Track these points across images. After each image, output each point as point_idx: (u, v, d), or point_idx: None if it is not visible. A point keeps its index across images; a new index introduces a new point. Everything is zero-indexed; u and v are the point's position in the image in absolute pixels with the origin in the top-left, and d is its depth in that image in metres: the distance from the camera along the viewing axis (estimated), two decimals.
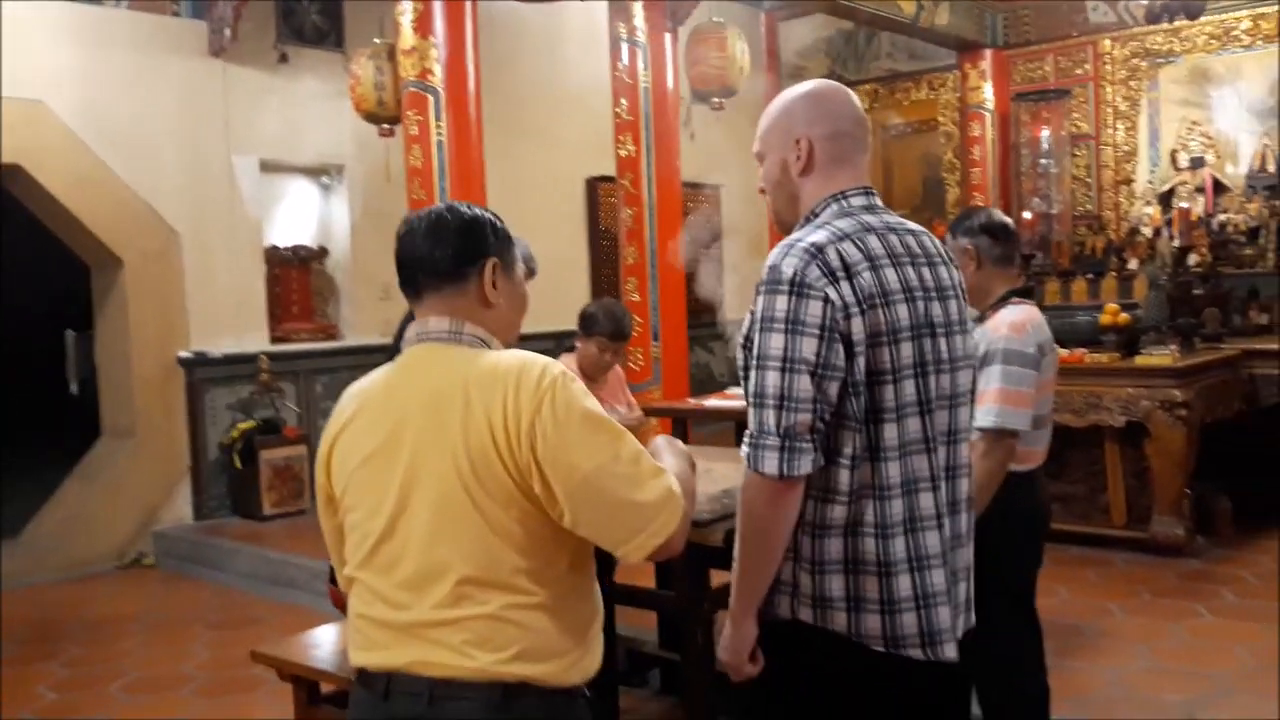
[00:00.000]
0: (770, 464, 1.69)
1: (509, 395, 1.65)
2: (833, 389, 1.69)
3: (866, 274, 1.72)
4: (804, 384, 1.67)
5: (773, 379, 1.69)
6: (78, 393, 6.87)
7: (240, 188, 7.03)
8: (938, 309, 1.83)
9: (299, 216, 7.65)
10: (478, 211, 1.82)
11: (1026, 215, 8.28)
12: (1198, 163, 8.41)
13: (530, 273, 3.70)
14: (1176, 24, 7.66)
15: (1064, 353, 5.59)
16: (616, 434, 1.69)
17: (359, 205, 7.51)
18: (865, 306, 1.70)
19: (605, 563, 3.55)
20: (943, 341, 1.82)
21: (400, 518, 1.69)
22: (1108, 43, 8.94)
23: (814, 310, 1.68)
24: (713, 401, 5.66)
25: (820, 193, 1.86)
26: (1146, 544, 5.40)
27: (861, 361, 1.71)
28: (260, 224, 7.19)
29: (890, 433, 1.74)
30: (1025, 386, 2.84)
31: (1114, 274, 7.61)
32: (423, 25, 5.49)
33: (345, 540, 1.80)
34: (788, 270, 1.71)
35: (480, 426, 1.65)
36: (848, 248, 1.74)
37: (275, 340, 7.13)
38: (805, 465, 1.69)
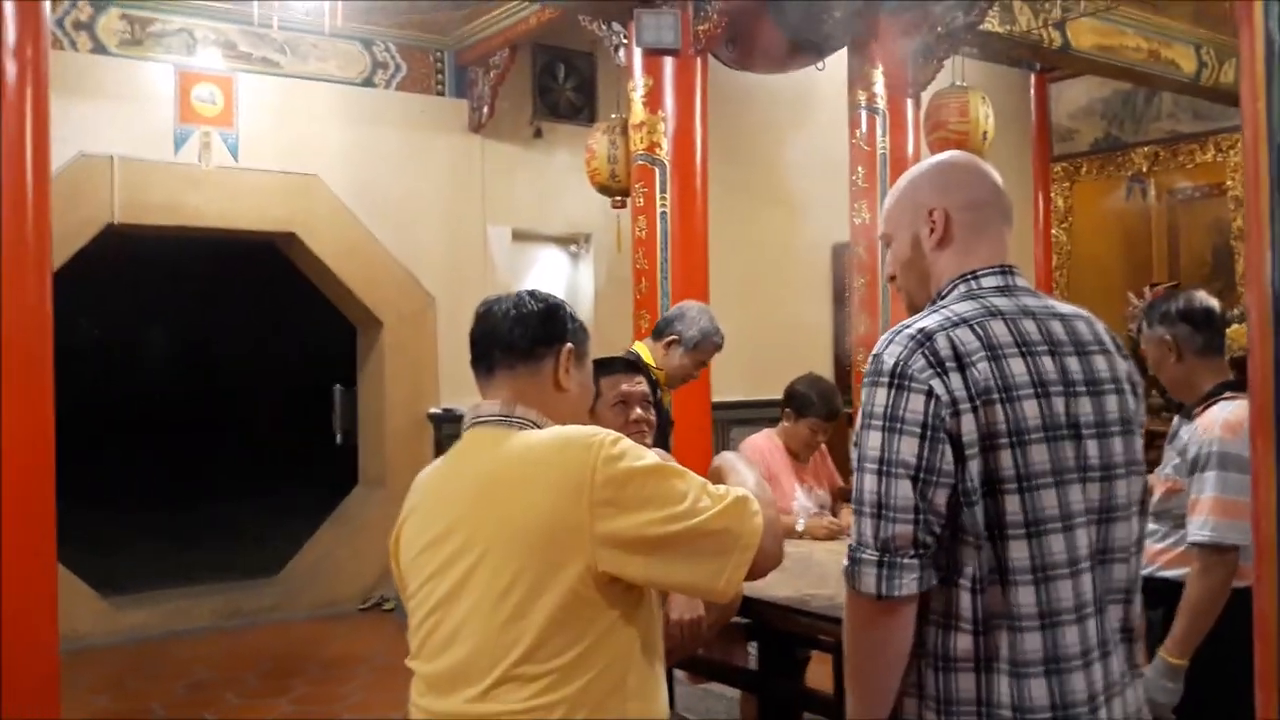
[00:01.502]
0: (868, 581, 1.49)
1: (560, 474, 1.64)
2: (940, 497, 1.48)
3: (983, 364, 1.50)
4: (903, 490, 1.47)
5: (870, 483, 1.50)
6: (342, 443, 7.39)
7: (493, 255, 7.42)
8: (1087, 406, 1.56)
9: (548, 282, 7.97)
10: (558, 299, 1.87)
11: None
12: None
13: (716, 346, 3.76)
14: None
15: None
16: (675, 477, 1.65)
17: (603, 272, 7.74)
18: (980, 402, 1.48)
19: (793, 660, 3.46)
20: (1091, 445, 1.56)
21: (447, 609, 1.69)
22: None
23: (915, 405, 1.48)
24: None
25: (953, 270, 1.66)
26: None
27: (975, 466, 1.48)
28: (511, 290, 7.51)
29: (1019, 552, 1.50)
30: (1244, 495, 2.50)
31: None
32: (653, 100, 5.63)
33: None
34: (889, 360, 1.52)
35: (531, 511, 1.64)
36: (963, 334, 1.53)
37: None
38: (909, 584, 1.48)
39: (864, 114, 6.51)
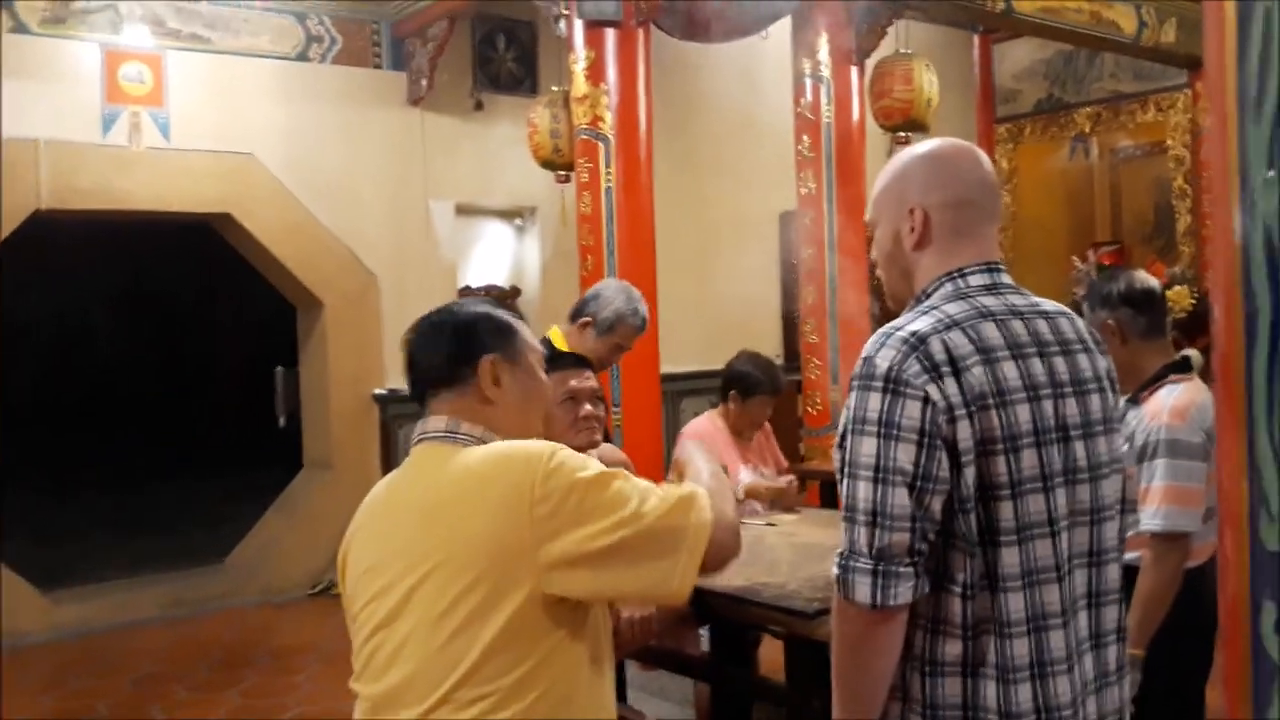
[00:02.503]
0: (862, 591, 1.46)
1: (500, 493, 1.60)
2: (936, 504, 1.46)
3: (977, 369, 1.48)
4: (900, 497, 1.44)
5: (864, 491, 1.46)
6: (285, 426, 7.27)
7: (436, 231, 7.30)
8: (1073, 407, 1.56)
9: (493, 257, 7.87)
10: (475, 309, 1.83)
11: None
12: None
13: (634, 329, 3.62)
14: None
15: None
16: (616, 482, 1.62)
17: (550, 245, 7.65)
18: (975, 407, 1.46)
19: (743, 646, 3.45)
20: (1079, 446, 1.55)
21: (389, 630, 1.66)
22: None
23: (912, 411, 1.45)
24: None
25: (936, 270, 1.62)
26: None
27: (970, 473, 1.46)
28: (455, 265, 7.43)
29: (1011, 559, 1.48)
30: (1195, 482, 2.50)
31: None
32: (595, 73, 5.52)
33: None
34: (882, 364, 1.49)
35: (474, 531, 1.61)
36: (955, 337, 1.50)
37: None
38: (904, 593, 1.46)
39: (809, 82, 6.47)
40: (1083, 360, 1.61)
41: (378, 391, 6.98)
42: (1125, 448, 2.61)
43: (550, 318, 7.55)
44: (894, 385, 1.47)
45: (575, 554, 1.57)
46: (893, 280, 1.71)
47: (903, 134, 6.42)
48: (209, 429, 10.19)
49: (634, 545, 1.58)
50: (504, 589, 1.58)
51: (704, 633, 3.48)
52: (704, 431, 4.09)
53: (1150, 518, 2.47)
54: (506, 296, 7.76)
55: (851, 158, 6.47)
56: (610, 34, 5.49)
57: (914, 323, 1.53)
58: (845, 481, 1.50)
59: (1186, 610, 2.55)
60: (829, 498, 5.03)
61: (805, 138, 6.48)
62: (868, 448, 1.47)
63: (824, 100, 6.42)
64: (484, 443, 1.73)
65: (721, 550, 1.64)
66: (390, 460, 7.00)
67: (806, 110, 6.47)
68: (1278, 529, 0.92)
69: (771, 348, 7.77)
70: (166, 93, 6.28)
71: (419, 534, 1.66)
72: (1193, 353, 2.72)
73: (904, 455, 1.45)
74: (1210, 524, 2.64)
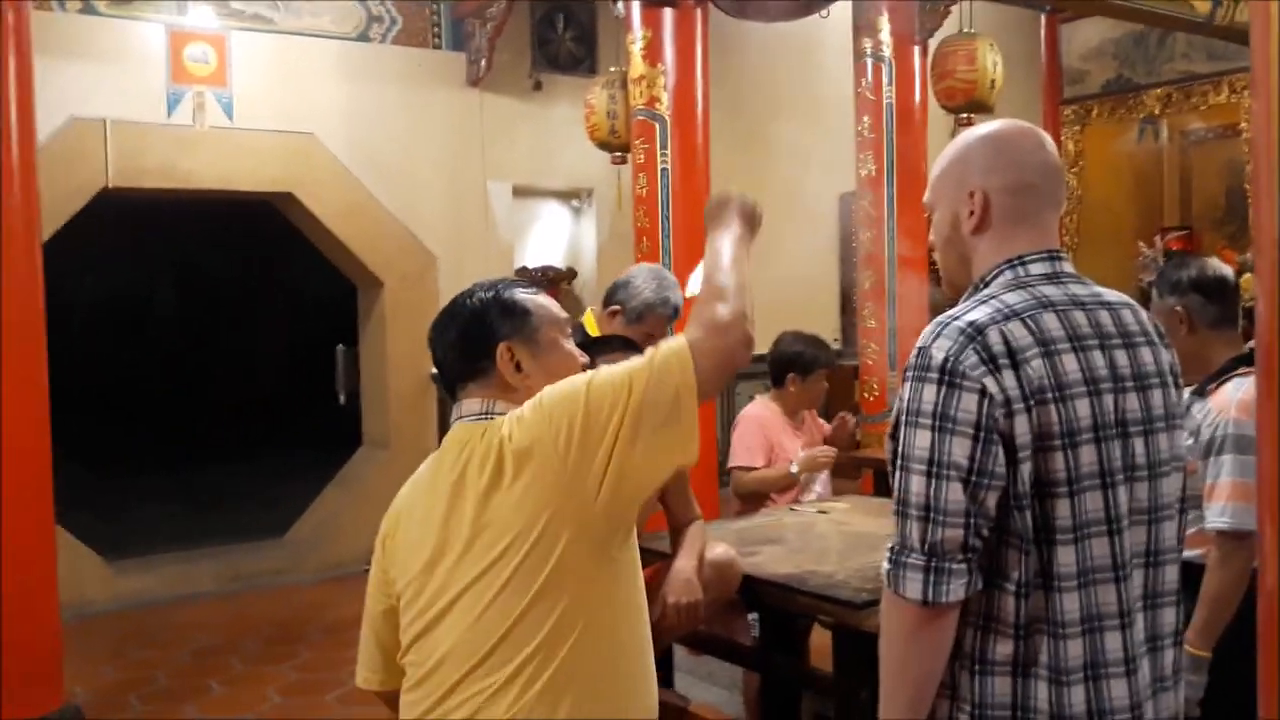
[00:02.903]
0: (914, 587, 1.43)
1: (502, 445, 1.64)
2: (991, 500, 1.42)
3: (1036, 361, 1.44)
4: (954, 493, 1.41)
5: (917, 485, 1.43)
6: (345, 404, 7.35)
7: (494, 212, 7.31)
8: (1134, 402, 1.51)
9: (551, 238, 7.87)
10: (484, 295, 1.81)
11: None
12: None
13: (664, 318, 3.54)
14: None
15: None
16: (585, 376, 1.66)
17: (606, 227, 7.64)
18: (1034, 401, 1.42)
19: (795, 643, 3.42)
20: (1138, 443, 1.50)
21: (433, 607, 1.69)
22: None
23: (968, 405, 1.41)
24: None
25: (995, 256, 1.58)
26: None
27: (1027, 469, 1.43)
28: (512, 247, 7.45)
29: (1067, 557, 1.44)
30: None
31: None
32: (652, 53, 5.49)
33: (389, 624, 1.81)
34: (938, 354, 1.45)
35: (511, 496, 1.63)
36: (1014, 328, 1.45)
37: None
38: (957, 590, 1.42)
39: (869, 62, 6.40)
40: (1145, 353, 1.56)
41: (434, 371, 7.01)
42: (1190, 442, 2.54)
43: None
44: (950, 377, 1.43)
45: (594, 441, 1.59)
46: (950, 265, 1.68)
47: (965, 115, 6.30)
48: (270, 407, 10.33)
49: (645, 422, 1.59)
50: (548, 542, 1.60)
51: (753, 619, 3.46)
52: (759, 417, 4.07)
53: (1217, 515, 2.40)
54: (563, 278, 7.77)
55: (913, 139, 6.38)
56: (668, 14, 5.45)
57: (971, 312, 1.49)
58: (898, 474, 1.47)
59: (1251, 611, 2.48)
60: (882, 486, 4.98)
61: (866, 118, 6.40)
62: (922, 440, 1.44)
63: (885, 80, 6.34)
64: None
65: (716, 362, 1.62)
66: None
67: (867, 90, 6.40)
68: None
69: (829, 331, 7.70)
70: (230, 73, 6.34)
71: (461, 509, 1.67)
72: None
73: (959, 449, 1.41)
74: None
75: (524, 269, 7.58)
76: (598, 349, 2.75)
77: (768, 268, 7.62)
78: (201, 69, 6.29)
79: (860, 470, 5.43)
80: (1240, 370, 2.54)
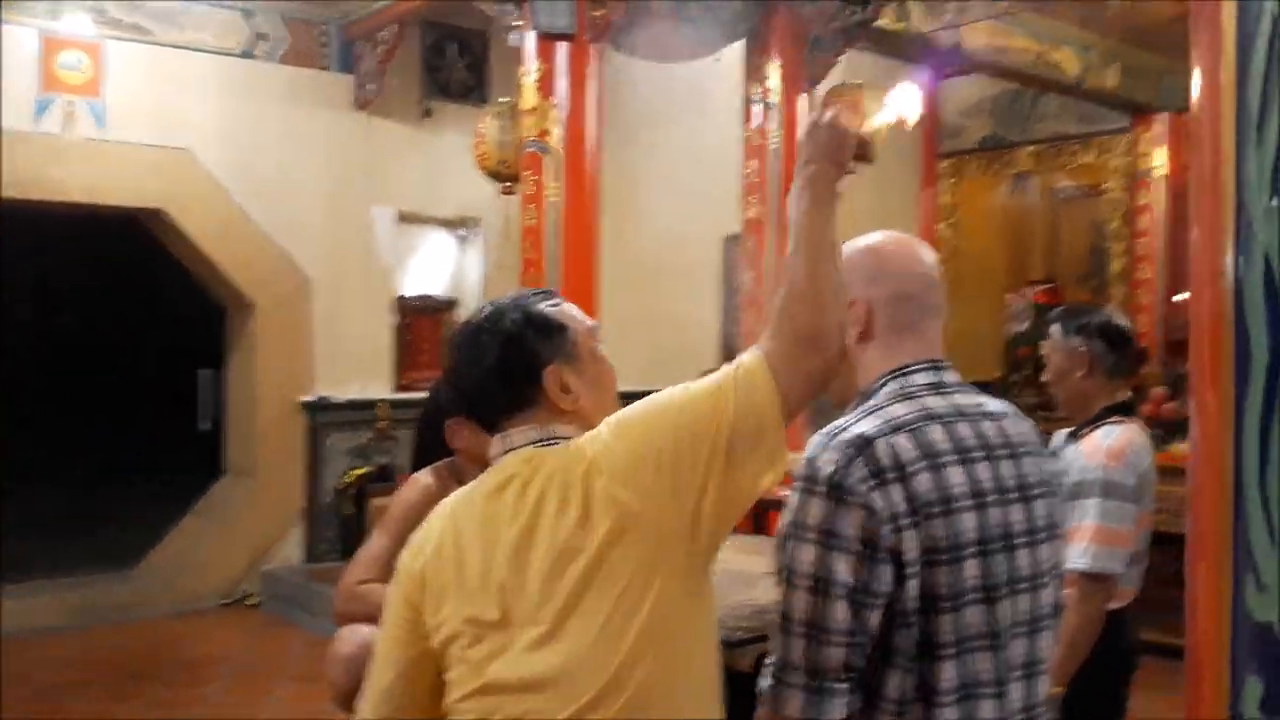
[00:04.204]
0: (793, 707, 1.40)
1: (587, 481, 1.49)
2: (874, 618, 1.40)
3: (923, 475, 1.42)
4: (838, 611, 1.38)
5: (802, 602, 1.40)
6: (208, 430, 7.09)
7: (376, 238, 7.17)
8: (1018, 515, 1.50)
9: (434, 267, 7.76)
10: (514, 316, 1.62)
11: (1182, 296, 7.69)
12: None
13: None
14: None
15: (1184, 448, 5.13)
16: (672, 406, 1.50)
17: (492, 258, 7.56)
18: (921, 516, 1.41)
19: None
20: (1023, 555, 1.49)
21: (502, 661, 1.53)
22: None
23: (854, 521, 1.39)
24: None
25: (880, 366, 1.58)
26: None
27: (915, 585, 1.40)
28: (393, 273, 7.31)
29: (948, 673, 1.42)
30: (1124, 524, 2.51)
31: None
32: (545, 85, 5.46)
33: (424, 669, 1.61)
34: (825, 468, 1.42)
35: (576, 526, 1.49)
36: (902, 442, 1.44)
37: (400, 388, 7.22)
38: (836, 710, 1.39)
39: (758, 107, 6.46)
40: (1029, 464, 1.55)
41: (306, 399, 6.83)
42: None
43: None
44: (837, 492, 1.41)
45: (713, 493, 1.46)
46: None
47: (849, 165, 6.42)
48: (125, 431, 9.89)
49: (736, 452, 1.46)
50: (638, 590, 1.46)
51: None
52: None
53: (1079, 556, 2.46)
54: (442, 309, 7.66)
55: None
56: (562, 47, 5.43)
57: (859, 424, 1.48)
58: (784, 588, 1.44)
59: (1106, 651, 2.55)
60: (759, 524, 4.99)
61: (753, 162, 6.46)
62: (808, 555, 1.41)
63: (772, 126, 6.41)
64: None
65: (803, 379, 1.47)
66: (316, 470, 6.85)
67: (755, 134, 6.46)
68: (1272, 600, 0.86)
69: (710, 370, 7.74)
70: (104, 83, 6.11)
71: (535, 549, 1.51)
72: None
73: (844, 567, 1.39)
74: (1134, 569, 2.65)
75: (405, 296, 7.45)
76: None
77: (654, 305, 7.70)
78: (74, 77, 6.04)
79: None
80: (1112, 418, 2.62)
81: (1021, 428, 1.59)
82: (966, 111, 10.07)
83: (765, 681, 1.44)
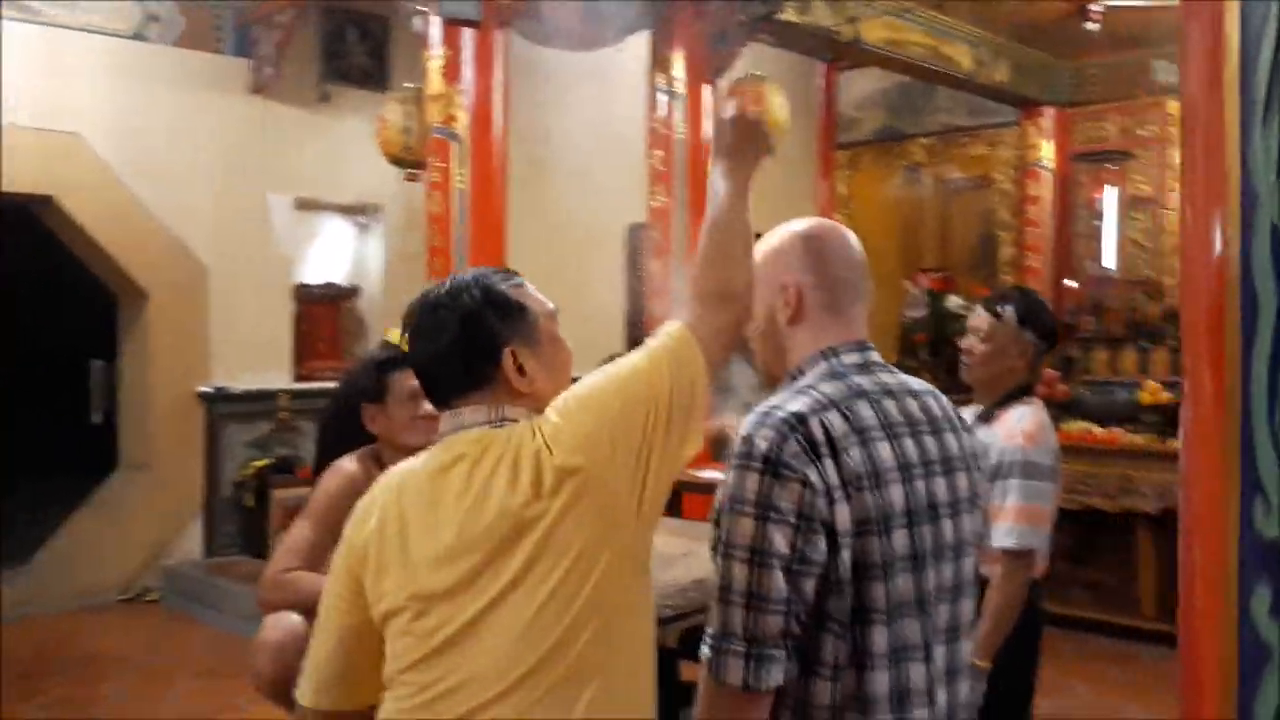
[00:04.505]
0: (734, 673, 1.45)
1: (539, 458, 1.55)
2: (809, 586, 1.46)
3: (855, 450, 1.49)
4: (776, 581, 1.44)
5: (740, 573, 1.46)
6: (100, 423, 6.88)
7: (273, 225, 7.03)
8: (942, 487, 1.58)
9: (334, 254, 7.64)
10: (473, 293, 1.64)
11: (1070, 283, 8.02)
12: None
13: None
14: None
15: (1098, 431, 5.35)
16: (613, 381, 1.60)
17: (394, 245, 7.48)
18: (852, 489, 1.47)
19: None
20: (947, 525, 1.58)
21: (449, 630, 1.57)
22: (1174, 104, 8.62)
23: (790, 494, 1.45)
24: (710, 473, 5.27)
25: (810, 347, 1.64)
26: (1177, 639, 5.10)
27: (848, 554, 1.47)
28: (291, 261, 7.18)
29: (880, 638, 1.49)
30: (1045, 502, 2.63)
31: (1168, 344, 7.28)
32: (451, 71, 5.42)
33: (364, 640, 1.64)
34: (761, 444, 1.48)
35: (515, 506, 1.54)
36: (833, 418, 1.50)
37: (299, 378, 7.10)
38: (775, 676, 1.45)
39: (663, 97, 6.51)
40: (951, 440, 1.63)
41: (203, 389, 6.68)
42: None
43: (391, 320, 7.41)
44: (773, 467, 1.46)
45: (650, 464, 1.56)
46: (767, 355, 1.73)
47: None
48: (13, 425, 9.53)
49: (674, 422, 1.58)
50: (587, 562, 1.53)
51: None
52: None
53: (1005, 535, 2.57)
54: (344, 296, 7.55)
55: (703, 174, 6.51)
56: (468, 34, 5.40)
57: (792, 402, 1.53)
58: (721, 561, 1.49)
59: (1023, 622, 2.67)
60: (675, 506, 5.05)
61: (658, 152, 6.51)
62: (745, 528, 1.46)
63: (678, 116, 6.47)
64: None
65: (724, 342, 1.63)
66: (215, 462, 6.71)
67: (660, 125, 6.51)
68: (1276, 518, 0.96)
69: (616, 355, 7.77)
70: None
71: (484, 523, 1.55)
72: None
73: (780, 538, 1.44)
74: (1047, 541, 2.77)
75: (304, 285, 7.32)
76: (396, 365, 2.69)
77: (558, 294, 7.68)
78: None
79: None
80: (1023, 398, 2.74)
81: (944, 405, 1.67)
82: (861, 104, 10.28)
83: (705, 651, 1.49)
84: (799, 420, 1.49)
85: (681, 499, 5.17)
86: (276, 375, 6.95)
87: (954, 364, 7.62)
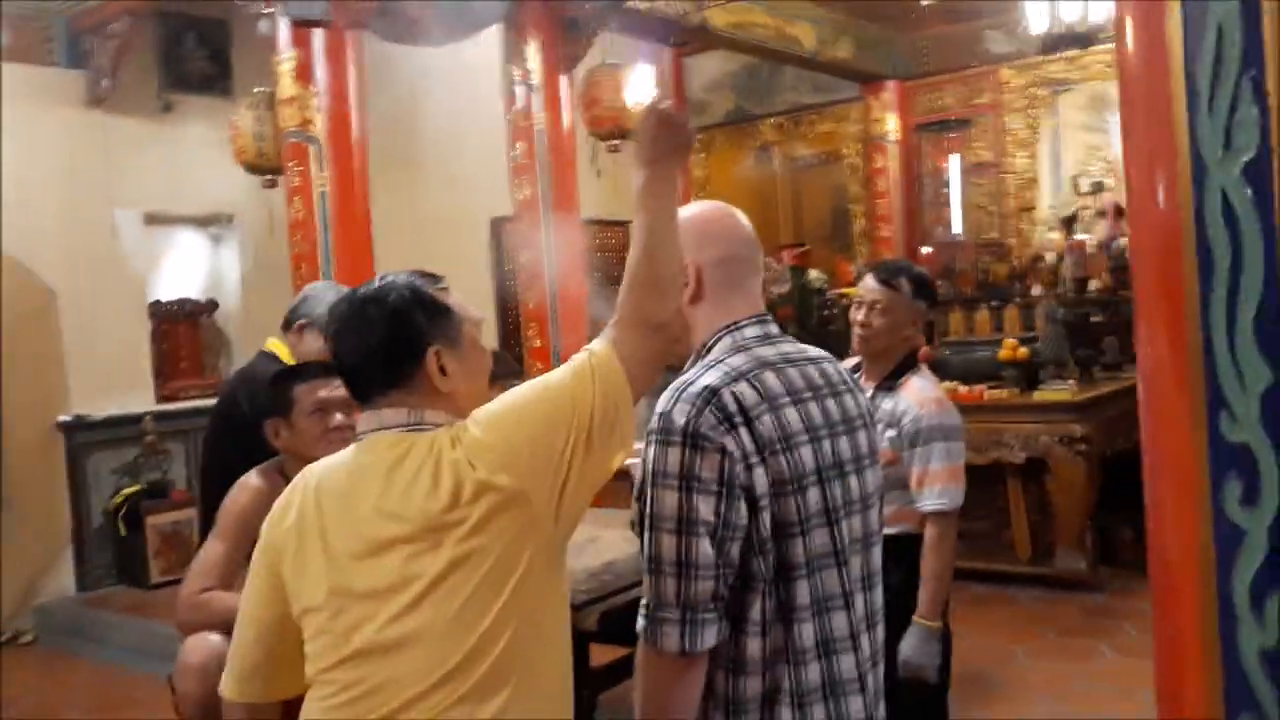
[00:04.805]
0: (671, 641, 1.51)
1: (458, 468, 1.58)
2: (735, 550, 1.53)
3: (766, 417, 1.56)
4: (704, 548, 1.50)
5: (669, 543, 1.51)
6: None
7: (122, 242, 6.77)
8: (845, 445, 1.67)
9: (188, 269, 7.40)
10: (403, 293, 1.67)
11: (926, 249, 8.32)
12: (1099, 187, 8.52)
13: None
14: (1072, 53, 7.71)
15: (964, 389, 5.60)
16: (534, 396, 1.64)
17: (250, 255, 7.28)
18: (767, 453, 1.54)
19: None
20: (853, 480, 1.67)
21: (369, 629, 1.60)
22: (1006, 72, 9.03)
23: (711, 464, 1.51)
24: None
25: (713, 323, 1.70)
26: (1051, 579, 5.39)
27: (767, 516, 1.54)
28: (144, 279, 6.93)
29: (802, 591, 1.57)
30: (961, 461, 2.77)
31: (1017, 302, 7.64)
32: (303, 74, 5.31)
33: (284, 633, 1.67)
34: (679, 419, 1.53)
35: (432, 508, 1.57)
36: (743, 389, 1.57)
37: (163, 399, 6.86)
38: (710, 638, 1.52)
39: (520, 90, 6.51)
40: (849, 400, 1.72)
41: (63, 419, 6.40)
42: (891, 434, 2.77)
43: (253, 332, 7.20)
44: (693, 439, 1.52)
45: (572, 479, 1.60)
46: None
47: (614, 141, 6.59)
48: None
49: (595, 438, 1.61)
50: (507, 564, 1.57)
51: None
52: None
53: (938, 497, 2.69)
54: (202, 310, 7.33)
55: (564, 163, 6.56)
56: (318, 34, 5.30)
57: (703, 377, 1.59)
58: (648, 534, 1.54)
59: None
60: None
61: (519, 144, 6.52)
62: (670, 500, 1.52)
63: (535, 107, 6.48)
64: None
65: (649, 368, 1.67)
66: (80, 492, 6.44)
67: (519, 117, 6.51)
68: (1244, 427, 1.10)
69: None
70: None
71: (403, 527, 1.58)
72: None
73: (705, 506, 1.50)
74: None
75: (159, 301, 7.08)
76: (296, 377, 2.66)
77: None
78: None
79: None
80: (916, 368, 2.85)
81: (839, 369, 1.77)
82: (710, 87, 10.47)
83: (641, 622, 1.55)
84: (712, 393, 1.55)
85: None
86: (139, 398, 6.70)
87: (820, 336, 7.83)
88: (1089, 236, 7.84)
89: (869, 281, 2.91)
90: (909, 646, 2.64)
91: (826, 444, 1.63)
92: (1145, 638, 4.52)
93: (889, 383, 2.84)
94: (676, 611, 1.51)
